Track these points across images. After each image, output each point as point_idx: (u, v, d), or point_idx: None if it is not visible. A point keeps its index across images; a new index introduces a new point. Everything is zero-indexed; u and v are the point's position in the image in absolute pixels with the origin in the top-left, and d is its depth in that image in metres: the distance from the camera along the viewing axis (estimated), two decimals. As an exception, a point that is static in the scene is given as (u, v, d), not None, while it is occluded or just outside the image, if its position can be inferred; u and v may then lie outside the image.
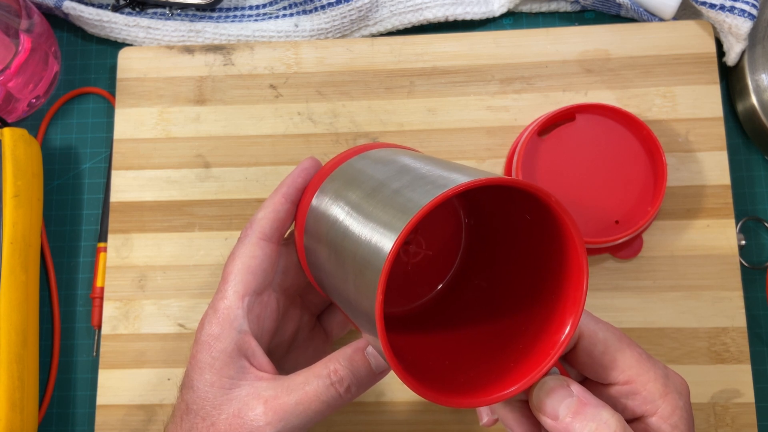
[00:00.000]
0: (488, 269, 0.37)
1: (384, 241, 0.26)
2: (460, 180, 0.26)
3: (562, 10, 0.52)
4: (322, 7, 0.51)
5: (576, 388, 0.29)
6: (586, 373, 0.32)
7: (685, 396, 0.31)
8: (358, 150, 0.37)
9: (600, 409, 0.28)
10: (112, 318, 0.48)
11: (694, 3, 0.48)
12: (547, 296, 0.30)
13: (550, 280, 0.30)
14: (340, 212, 0.31)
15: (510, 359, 0.30)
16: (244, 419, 0.32)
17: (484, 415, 0.34)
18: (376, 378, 0.33)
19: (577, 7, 0.52)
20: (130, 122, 0.50)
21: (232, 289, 0.35)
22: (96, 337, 0.49)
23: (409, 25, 0.52)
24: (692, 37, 0.49)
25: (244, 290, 0.35)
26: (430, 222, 0.38)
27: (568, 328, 0.28)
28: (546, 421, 0.29)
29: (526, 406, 0.31)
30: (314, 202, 0.35)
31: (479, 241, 0.38)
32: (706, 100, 0.48)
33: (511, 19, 0.53)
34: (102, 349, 0.47)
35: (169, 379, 0.47)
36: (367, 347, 0.33)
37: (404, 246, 0.36)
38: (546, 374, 0.29)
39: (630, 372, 0.31)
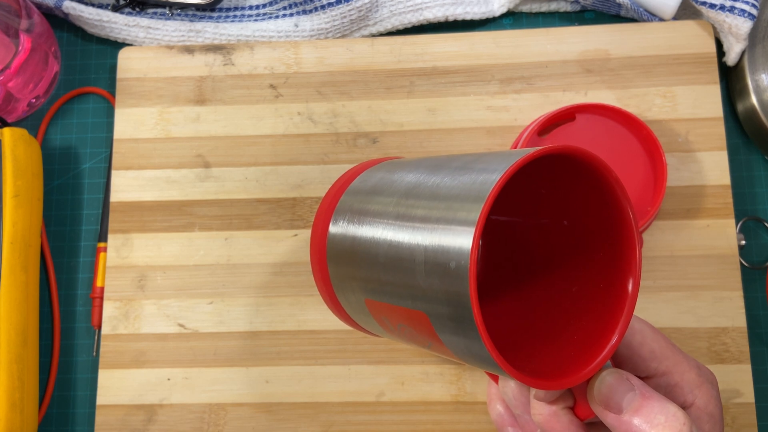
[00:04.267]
0: (514, 256, 0.36)
1: (465, 223, 0.25)
2: (515, 157, 0.25)
3: (562, 10, 0.52)
4: (322, 7, 0.51)
5: (635, 381, 0.28)
6: (624, 366, 0.31)
7: (716, 386, 0.31)
8: (355, 173, 0.36)
9: (665, 402, 0.28)
10: (112, 318, 0.48)
11: (694, 3, 0.48)
12: (596, 280, 0.30)
13: (594, 251, 0.30)
14: (383, 216, 0.30)
15: (575, 349, 0.29)
16: None
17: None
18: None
19: (577, 7, 0.52)
20: (130, 122, 0.50)
21: None
22: (96, 337, 0.49)
23: (409, 25, 0.52)
24: (692, 37, 0.49)
25: None
26: None
27: (630, 287, 0.28)
28: (608, 415, 0.28)
29: (567, 411, 0.31)
30: (333, 228, 0.34)
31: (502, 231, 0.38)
32: (706, 100, 0.48)
33: (511, 19, 0.53)
34: (102, 349, 0.47)
35: (168, 379, 0.47)
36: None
37: None
38: (608, 358, 0.28)
39: (668, 362, 0.30)
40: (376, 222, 0.31)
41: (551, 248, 0.34)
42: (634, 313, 0.30)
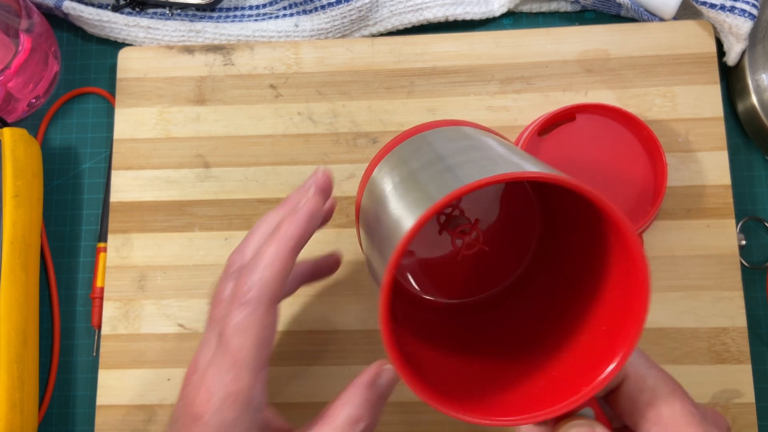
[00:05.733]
0: (553, 276, 0.35)
1: (414, 212, 0.26)
2: (508, 168, 0.25)
3: (562, 10, 0.52)
4: (322, 7, 0.51)
5: None
6: (625, 419, 0.29)
7: None
8: (418, 130, 0.36)
9: None
10: (112, 318, 0.48)
11: (694, 3, 0.48)
12: (597, 320, 0.29)
13: (606, 301, 0.29)
14: (390, 182, 0.31)
15: (544, 386, 0.28)
16: None
17: None
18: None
19: (577, 7, 0.52)
20: (130, 122, 0.50)
21: (248, 367, 0.30)
22: (96, 337, 0.49)
23: (409, 25, 0.52)
24: (692, 37, 0.49)
25: (260, 365, 0.31)
26: (494, 215, 0.38)
27: (614, 364, 0.26)
28: None
29: None
30: (375, 173, 0.35)
31: (552, 247, 0.37)
32: (706, 100, 0.48)
33: (511, 19, 0.53)
34: (102, 349, 0.47)
35: (169, 379, 0.47)
36: (379, 374, 0.31)
37: (460, 234, 0.35)
38: (579, 408, 0.27)
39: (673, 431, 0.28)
40: (392, 184, 0.32)
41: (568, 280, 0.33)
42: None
